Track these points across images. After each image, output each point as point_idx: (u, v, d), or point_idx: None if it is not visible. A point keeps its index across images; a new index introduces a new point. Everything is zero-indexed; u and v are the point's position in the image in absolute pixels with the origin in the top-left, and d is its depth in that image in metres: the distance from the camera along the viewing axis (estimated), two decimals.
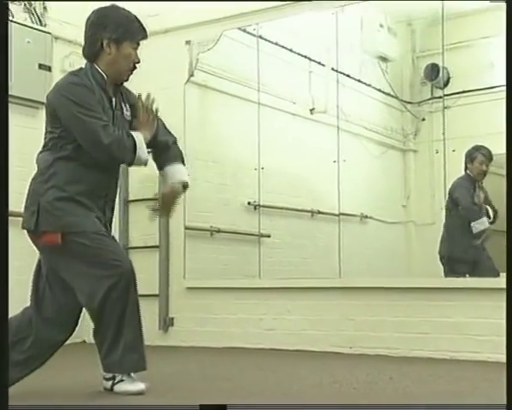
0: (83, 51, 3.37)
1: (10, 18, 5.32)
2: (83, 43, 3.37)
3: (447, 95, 6.25)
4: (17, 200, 3.43)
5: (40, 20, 5.52)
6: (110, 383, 3.29)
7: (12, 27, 5.11)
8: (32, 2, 5.48)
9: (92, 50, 3.31)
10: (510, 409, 1.97)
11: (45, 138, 3.32)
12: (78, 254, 3.19)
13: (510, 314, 2.30)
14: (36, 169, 3.32)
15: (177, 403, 2.10)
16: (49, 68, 5.62)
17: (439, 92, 6.76)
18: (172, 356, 5.10)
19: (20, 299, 3.25)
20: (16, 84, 5.09)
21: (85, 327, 3.63)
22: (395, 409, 2.09)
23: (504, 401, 2.02)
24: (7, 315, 2.25)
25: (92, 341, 3.39)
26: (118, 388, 3.27)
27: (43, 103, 5.46)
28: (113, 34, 3.28)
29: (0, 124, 2.27)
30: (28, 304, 3.35)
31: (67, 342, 3.40)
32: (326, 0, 5.34)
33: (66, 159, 3.23)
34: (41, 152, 3.32)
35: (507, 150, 2.58)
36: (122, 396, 3.19)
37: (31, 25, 5.49)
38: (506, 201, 2.64)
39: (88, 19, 3.37)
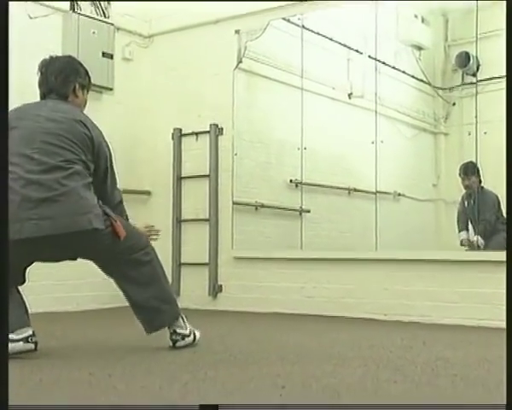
0: (50, 90, 3.37)
1: (78, 11, 5.42)
2: (48, 81, 3.37)
3: (480, 81, 6.17)
4: None
5: (104, 13, 5.60)
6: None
7: (79, 19, 5.21)
8: None
9: (66, 91, 3.39)
10: (510, 409, 1.92)
11: (73, 163, 3.24)
12: None
13: (510, 315, 2.23)
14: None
15: (177, 403, 2.14)
16: (111, 56, 5.72)
17: (469, 79, 6.68)
18: (221, 320, 5.18)
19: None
20: None
21: None
22: (397, 409, 2.10)
23: (504, 401, 1.99)
24: (7, 315, 2.20)
25: None
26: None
27: (106, 88, 5.62)
28: (84, 81, 3.46)
29: (0, 120, 2.25)
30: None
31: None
32: None
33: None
34: (68, 172, 3.22)
35: (507, 149, 2.52)
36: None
37: (96, 17, 5.57)
38: (506, 199, 2.60)
39: (51, 63, 3.43)
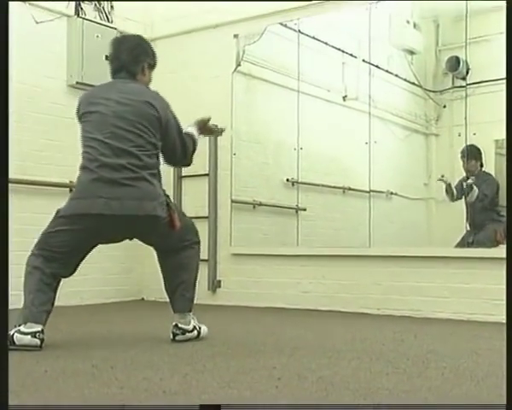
0: (121, 67, 3.38)
1: (82, 16, 5.41)
2: (119, 59, 3.39)
3: (469, 84, 6.18)
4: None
5: (107, 18, 5.59)
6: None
7: (84, 24, 5.20)
8: (102, 2, 5.55)
9: (135, 69, 3.41)
10: (510, 409, 1.90)
11: (143, 147, 3.28)
12: None
13: (510, 315, 2.22)
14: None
15: (177, 403, 2.14)
16: None
17: (459, 82, 6.70)
18: (220, 314, 5.18)
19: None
20: (87, 73, 5.20)
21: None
22: (391, 409, 2.09)
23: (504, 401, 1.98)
24: (7, 315, 2.17)
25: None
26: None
27: None
28: (152, 60, 3.48)
29: (0, 116, 2.24)
30: None
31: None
32: None
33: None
34: (146, 154, 3.29)
35: (507, 148, 2.51)
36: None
37: (100, 21, 5.56)
38: (506, 197, 2.58)
39: (122, 41, 3.50)
